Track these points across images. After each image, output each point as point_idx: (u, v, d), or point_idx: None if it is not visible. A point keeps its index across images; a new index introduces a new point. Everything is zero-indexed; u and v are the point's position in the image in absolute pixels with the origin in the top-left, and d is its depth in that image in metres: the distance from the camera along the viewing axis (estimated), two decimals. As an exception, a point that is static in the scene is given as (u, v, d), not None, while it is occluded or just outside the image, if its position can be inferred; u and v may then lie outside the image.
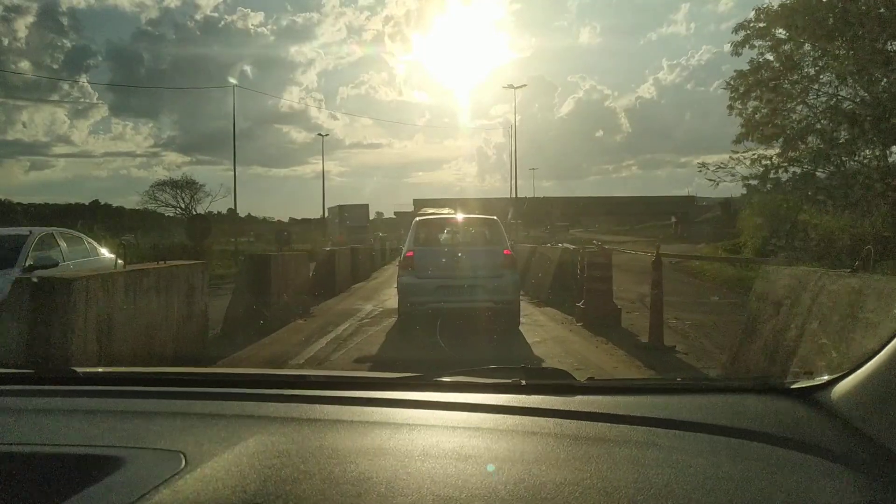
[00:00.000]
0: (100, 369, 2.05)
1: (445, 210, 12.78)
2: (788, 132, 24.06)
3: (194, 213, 65.05)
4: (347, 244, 26.54)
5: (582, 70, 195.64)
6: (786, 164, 24.91)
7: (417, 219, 10.24)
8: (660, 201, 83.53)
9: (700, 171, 27.54)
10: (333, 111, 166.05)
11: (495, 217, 10.18)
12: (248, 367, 6.79)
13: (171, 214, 63.73)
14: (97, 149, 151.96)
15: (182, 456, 1.19)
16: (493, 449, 1.26)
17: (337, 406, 1.52)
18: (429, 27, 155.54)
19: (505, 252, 9.15)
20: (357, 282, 19.05)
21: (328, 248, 16.51)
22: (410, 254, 9.10)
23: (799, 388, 1.52)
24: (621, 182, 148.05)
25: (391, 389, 1.65)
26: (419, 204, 52.02)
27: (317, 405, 1.52)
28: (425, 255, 9.11)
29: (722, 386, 1.80)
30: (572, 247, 13.59)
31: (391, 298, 14.44)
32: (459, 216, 10.94)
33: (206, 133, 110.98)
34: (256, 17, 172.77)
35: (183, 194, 64.34)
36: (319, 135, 68.52)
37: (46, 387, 1.69)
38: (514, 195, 47.99)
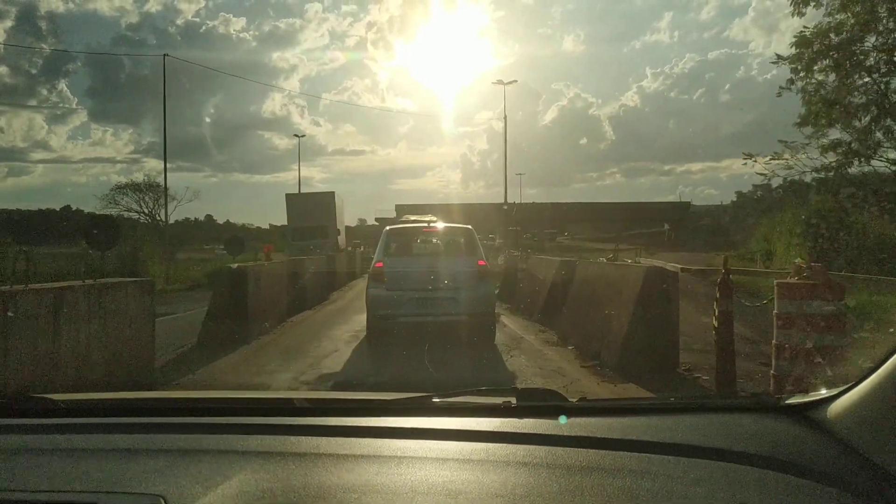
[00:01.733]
0: (78, 396, 1.81)
1: (427, 217, 10.72)
2: (874, 109, 18.56)
3: (158, 218, 58.71)
4: (292, 255, 20.25)
5: (566, 77, 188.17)
6: (867, 154, 19.32)
7: (388, 228, 9.56)
8: (652, 207, 78.46)
9: (745, 163, 22.00)
10: (316, 117, 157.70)
11: (470, 226, 9.40)
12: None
13: (145, 221, 57.86)
14: (76, 154, 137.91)
15: (162, 501, 1.14)
16: (483, 482, 1.21)
17: (323, 438, 1.44)
18: (412, 34, 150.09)
19: (479, 263, 8.66)
20: (300, 310, 12.94)
21: (236, 266, 10.26)
22: (380, 265, 8.61)
23: (794, 404, 1.45)
24: (605, 190, 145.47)
25: (379, 414, 1.59)
26: (402, 210, 45.85)
27: (302, 437, 1.44)
28: (396, 266, 8.65)
29: (717, 405, 1.68)
30: (674, 267, 7.68)
31: (340, 350, 8.52)
32: (435, 224, 9.78)
33: (186, 139, 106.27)
34: (238, 23, 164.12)
35: (146, 198, 58.76)
36: (296, 136, 63.67)
37: (19, 420, 1.58)
38: (506, 200, 42.90)
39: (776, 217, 23.37)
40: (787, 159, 20.63)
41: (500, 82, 41.53)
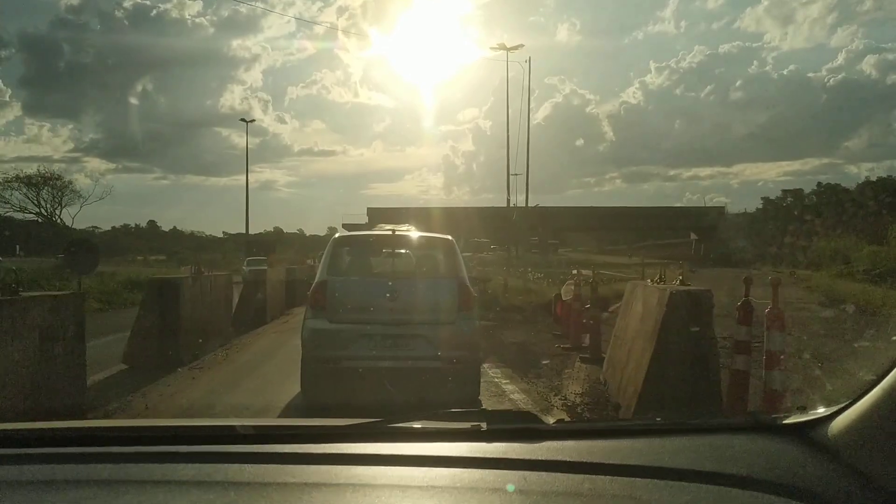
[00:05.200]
0: None
1: (405, 226, 8.05)
2: None
3: (58, 219, 50.19)
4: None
5: (560, 72, 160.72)
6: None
7: (336, 236, 7.75)
8: (679, 213, 67.94)
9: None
10: (281, 113, 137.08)
11: (450, 237, 7.41)
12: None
13: (41, 221, 49.18)
14: (7, 153, 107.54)
15: None
16: None
17: (269, 465, 1.34)
18: (388, 21, 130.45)
19: (461, 287, 6.67)
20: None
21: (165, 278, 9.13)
22: (322, 285, 6.64)
23: (791, 424, 1.40)
24: (604, 196, 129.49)
25: (335, 441, 1.47)
26: (374, 215, 40.24)
27: (246, 465, 1.34)
28: (344, 289, 6.60)
29: (707, 426, 1.63)
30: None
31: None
32: (401, 233, 7.37)
33: (133, 137, 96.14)
34: (194, 7, 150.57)
35: (42, 195, 49.68)
36: (242, 120, 53.80)
37: None
38: (510, 200, 38.30)
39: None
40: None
41: (501, 47, 37.14)
